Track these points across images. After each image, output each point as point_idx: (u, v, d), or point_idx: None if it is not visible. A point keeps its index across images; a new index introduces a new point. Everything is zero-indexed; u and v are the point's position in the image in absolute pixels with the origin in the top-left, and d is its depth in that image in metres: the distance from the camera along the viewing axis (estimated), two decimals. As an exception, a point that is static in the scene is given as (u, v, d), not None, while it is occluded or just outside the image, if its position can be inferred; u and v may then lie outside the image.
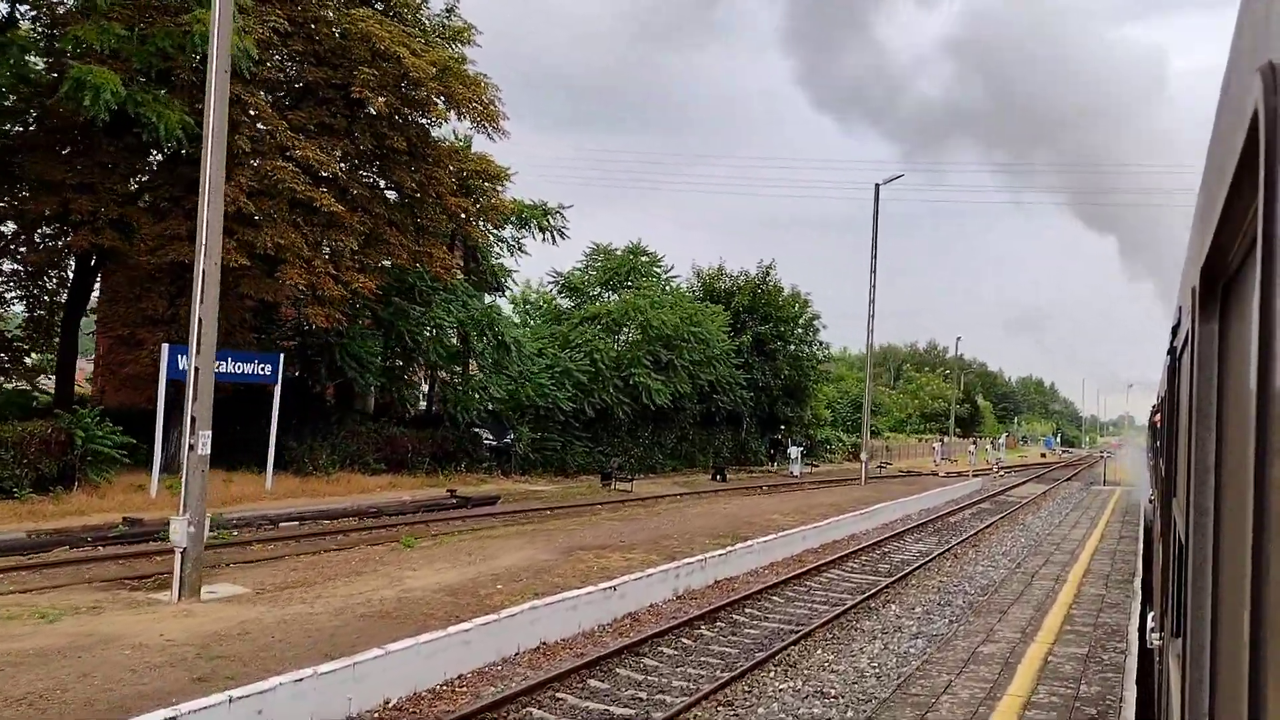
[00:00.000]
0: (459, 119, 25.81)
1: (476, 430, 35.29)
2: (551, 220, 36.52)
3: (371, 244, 26.32)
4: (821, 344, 56.53)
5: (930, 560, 21.75)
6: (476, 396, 32.47)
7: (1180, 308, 3.17)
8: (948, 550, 23.60)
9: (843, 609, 15.83)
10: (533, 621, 12.34)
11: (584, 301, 40.11)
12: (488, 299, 47.73)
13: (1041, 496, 43.41)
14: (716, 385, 45.20)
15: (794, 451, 47.22)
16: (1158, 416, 9.52)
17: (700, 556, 17.27)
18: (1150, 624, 5.40)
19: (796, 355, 53.78)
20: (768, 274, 50.61)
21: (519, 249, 36.54)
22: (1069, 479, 58.90)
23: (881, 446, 69.12)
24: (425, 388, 35.76)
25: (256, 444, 27.42)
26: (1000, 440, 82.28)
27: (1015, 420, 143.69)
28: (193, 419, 11.34)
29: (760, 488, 39.50)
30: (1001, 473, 57.27)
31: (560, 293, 41.05)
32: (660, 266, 42.26)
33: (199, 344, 11.35)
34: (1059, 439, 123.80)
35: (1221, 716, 1.49)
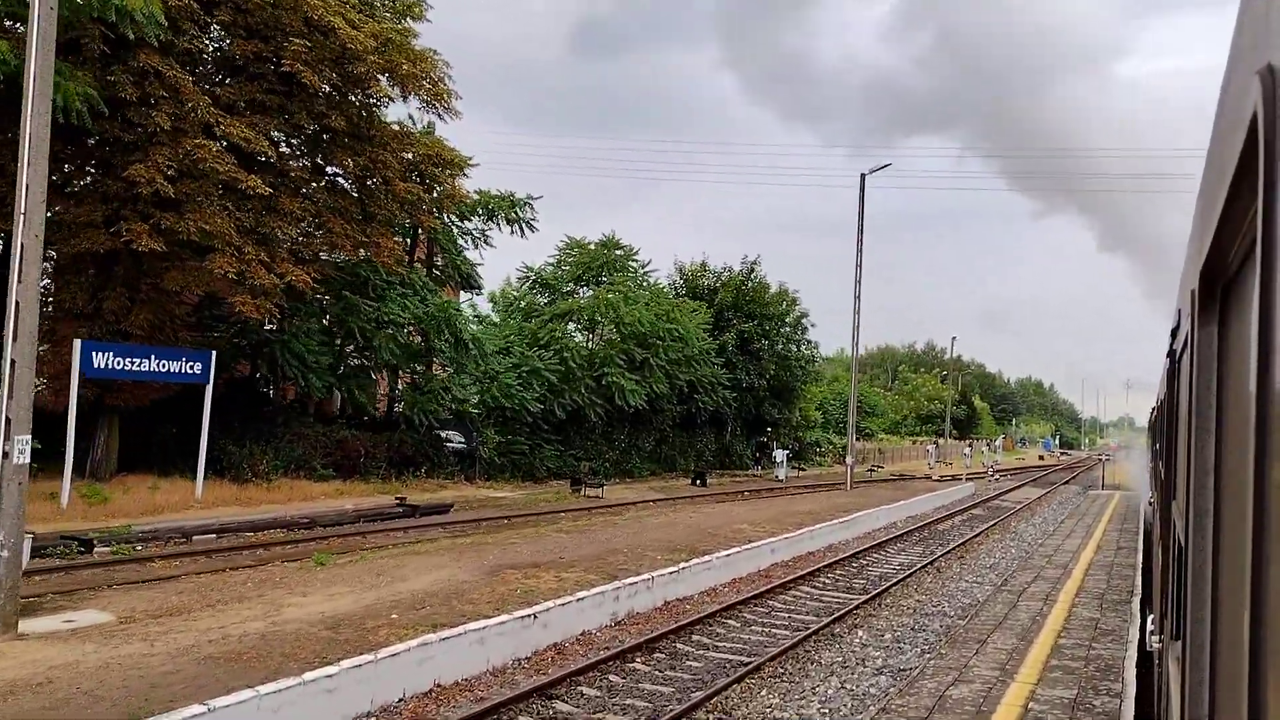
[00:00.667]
0: (404, 97, 23.95)
1: (440, 433, 33.45)
2: (520, 212, 34.64)
3: (313, 233, 24.47)
4: (810, 343, 54.72)
5: (910, 575, 19.90)
6: (437, 397, 30.59)
7: (1180, 310, 3.21)
8: (931, 563, 21.75)
9: (803, 635, 13.98)
10: (424, 660, 10.47)
11: (557, 298, 38.22)
12: (464, 296, 45.97)
13: (1037, 502, 41.56)
14: (697, 385, 43.36)
15: (779, 455, 45.37)
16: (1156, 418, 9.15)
17: (648, 575, 15.41)
18: (1150, 626, 5.39)
19: (784, 355, 51.91)
20: (752, 270, 48.78)
21: (484, 242, 34.69)
22: (1066, 482, 57.05)
23: (874, 449, 67.24)
24: (390, 389, 33.91)
25: (195, 449, 25.60)
26: (997, 442, 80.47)
27: (1013, 422, 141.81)
28: (8, 420, 9.48)
29: (741, 493, 37.62)
30: (997, 476, 55.40)
31: (532, 289, 39.11)
32: (636, 261, 40.45)
33: (16, 331, 9.50)
34: (1057, 440, 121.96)
35: (1221, 718, 1.52)
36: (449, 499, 28.00)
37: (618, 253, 39.19)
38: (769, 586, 17.66)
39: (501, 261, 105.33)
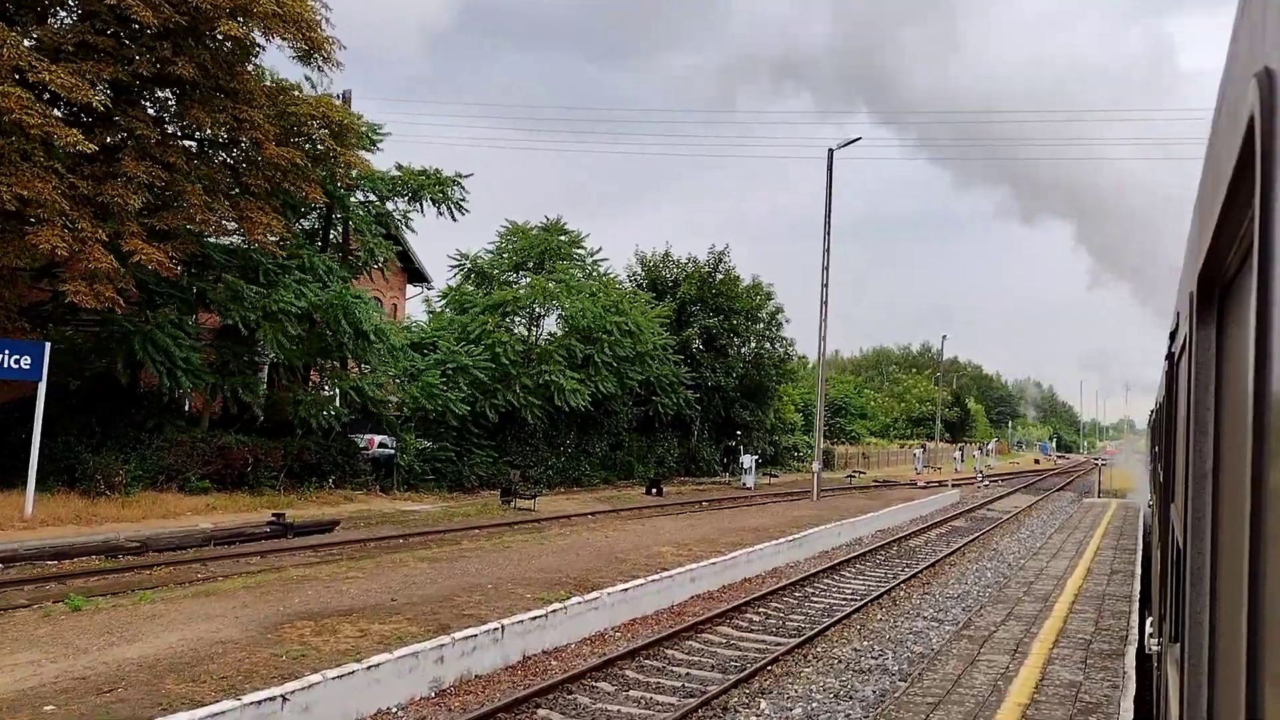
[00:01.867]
0: (267, 39, 20.40)
1: (358, 438, 29.87)
2: (448, 192, 31.05)
3: (170, 203, 20.92)
4: (786, 340, 51.15)
5: (858, 609, 16.33)
6: (340, 398, 27.02)
7: (1178, 313, 3.23)
8: (887, 592, 18.19)
9: (688, 708, 10.43)
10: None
11: (494, 289, 34.59)
12: (411, 291, 42.38)
13: (1025, 511, 38.00)
14: (657, 385, 39.81)
15: (747, 460, 41.80)
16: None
17: (494, 625, 11.83)
18: (1149, 629, 5.33)
19: (756, 352, 48.37)
20: (720, 260, 45.19)
21: (406, 225, 31.08)
22: (1060, 489, 53.50)
23: (857, 454, 63.65)
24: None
25: (49, 457, 22.07)
26: (990, 445, 76.88)
27: (1008, 424, 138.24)
28: None
29: (698, 504, 34.09)
30: (986, 482, 51.86)
31: (468, 278, 35.47)
32: (584, 249, 36.76)
33: None
34: (1054, 443, 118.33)
35: (1220, 719, 1.55)
36: (345, 514, 24.42)
37: (562, 239, 35.52)
38: (676, 629, 14.10)
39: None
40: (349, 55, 28.55)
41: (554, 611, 12.96)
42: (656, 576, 16.22)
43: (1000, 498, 44.86)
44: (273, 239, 22.93)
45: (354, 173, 25.37)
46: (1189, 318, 2.13)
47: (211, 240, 24.60)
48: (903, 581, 19.46)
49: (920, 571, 20.96)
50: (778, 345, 51.44)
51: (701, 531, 24.08)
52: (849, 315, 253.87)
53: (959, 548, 25.30)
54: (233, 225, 23.04)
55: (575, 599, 13.73)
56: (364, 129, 24.60)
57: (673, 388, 40.09)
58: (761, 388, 49.97)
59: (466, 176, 31.33)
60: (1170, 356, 3.80)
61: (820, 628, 14.61)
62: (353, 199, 28.73)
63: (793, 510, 30.73)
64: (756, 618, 15.73)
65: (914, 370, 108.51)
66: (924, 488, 49.35)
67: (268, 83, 22.25)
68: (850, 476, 50.92)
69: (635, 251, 44.59)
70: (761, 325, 50.54)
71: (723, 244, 78.76)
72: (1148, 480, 17.49)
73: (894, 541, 25.93)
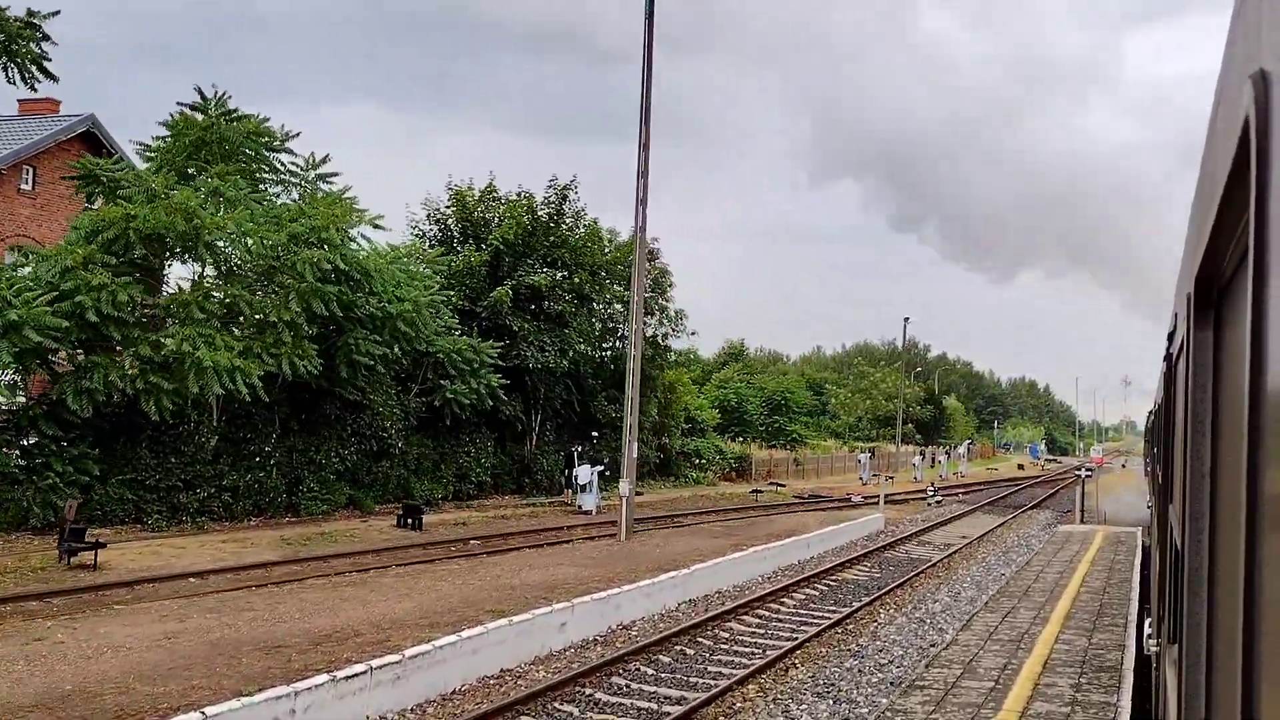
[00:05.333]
0: None
1: None
2: (17, 44, 18.98)
3: None
4: (674, 316, 39.00)
5: None
6: None
7: (1176, 314, 3.19)
8: None
9: None
10: None
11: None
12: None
13: (966, 551, 25.77)
14: (449, 366, 27.69)
15: (584, 473, 29.64)
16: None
17: None
18: (1148, 629, 5.47)
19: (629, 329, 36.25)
20: (565, 199, 32.92)
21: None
22: (1036, 505, 41.32)
23: (785, 460, 51.43)
24: None
25: None
26: (960, 449, 64.62)
27: (995, 424, 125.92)
28: None
29: (464, 542, 22.00)
30: (939, 498, 39.70)
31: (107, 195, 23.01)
32: (294, 155, 24.20)
33: None
34: (1045, 446, 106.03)
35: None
36: None
37: (249, 132, 22.75)
38: None
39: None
40: None
41: None
42: None
43: (946, 522, 32.66)
44: None
45: None
46: (1186, 319, 2.14)
47: None
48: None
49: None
50: (667, 322, 39.32)
51: (279, 631, 11.79)
52: (838, 315, 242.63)
53: (775, 659, 13.07)
54: None
55: None
56: None
57: (472, 370, 27.95)
58: (641, 375, 37.72)
59: (53, 13, 19.33)
60: (1168, 357, 3.92)
61: None
62: None
63: (551, 567, 18.30)
64: None
65: (882, 364, 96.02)
66: (853, 506, 37.19)
67: None
68: (757, 492, 38.68)
69: (447, 184, 32.31)
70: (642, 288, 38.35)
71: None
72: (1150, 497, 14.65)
73: (655, 645, 13.68)
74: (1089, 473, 31.88)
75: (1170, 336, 3.62)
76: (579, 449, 32.40)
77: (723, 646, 14.09)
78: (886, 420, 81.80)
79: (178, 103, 22.45)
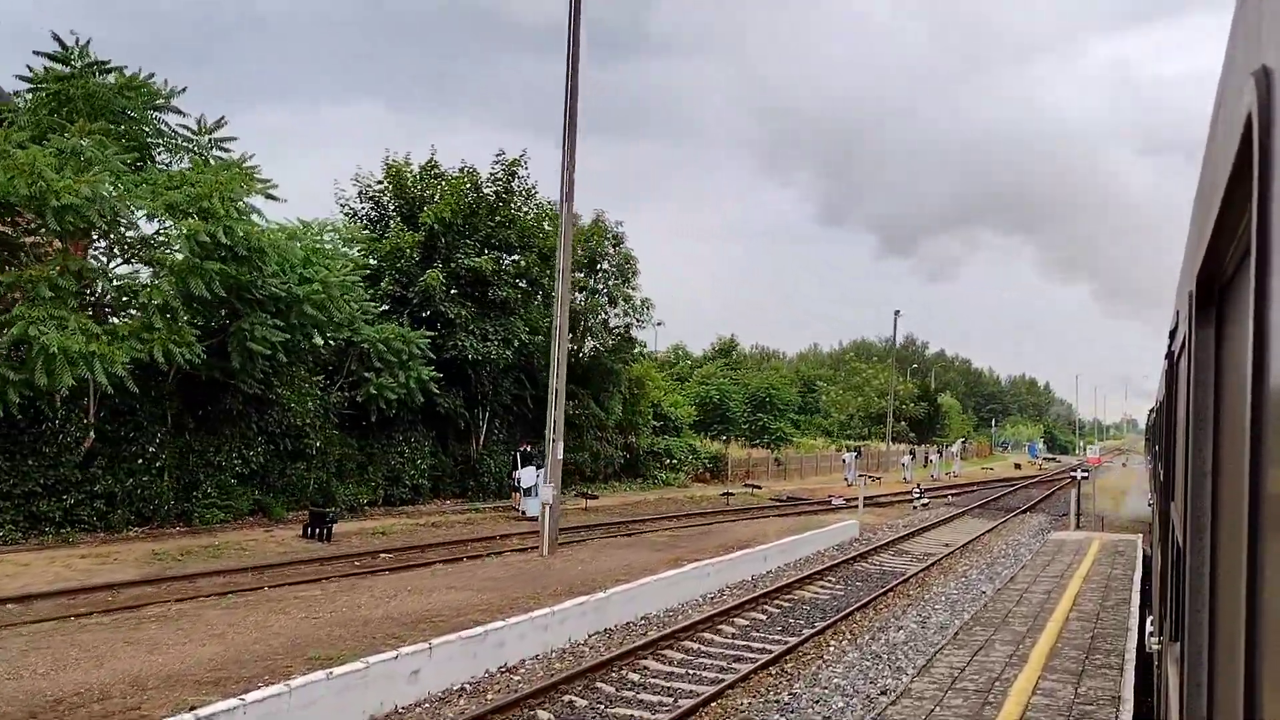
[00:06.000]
0: None
1: None
2: None
3: None
4: (639, 307, 36.23)
5: None
6: None
7: (1177, 312, 3.16)
8: None
9: None
10: None
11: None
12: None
13: (944, 563, 23.00)
14: (375, 357, 24.94)
15: (527, 475, 26.85)
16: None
17: None
18: (1149, 628, 5.18)
19: (587, 318, 33.53)
20: (513, 174, 30.09)
21: None
22: (1030, 508, 38.56)
23: (765, 459, 48.62)
24: None
25: None
26: (952, 448, 61.78)
27: (994, 422, 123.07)
28: None
29: (374, 555, 19.33)
30: (925, 501, 36.93)
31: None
32: (190, 117, 21.29)
33: None
34: (1043, 444, 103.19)
35: (1219, 718, 1.51)
36: None
37: (123, 89, 19.93)
38: None
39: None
40: None
41: None
42: None
43: (930, 528, 29.88)
44: None
45: None
46: (1188, 317, 2.14)
47: None
48: None
49: None
50: (631, 313, 36.56)
51: None
52: (838, 314, 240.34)
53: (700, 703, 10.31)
54: None
55: None
56: None
57: (400, 362, 25.19)
58: (604, 370, 35.04)
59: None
60: (1170, 355, 3.81)
61: None
62: None
63: (442, 590, 15.40)
64: None
65: (875, 360, 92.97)
66: (831, 510, 34.43)
67: None
68: (728, 495, 35.89)
69: (387, 159, 29.39)
70: (603, 277, 35.71)
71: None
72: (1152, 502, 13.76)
73: (530, 698, 10.90)
74: (1085, 474, 29.01)
75: (1172, 334, 3.61)
76: (527, 448, 29.62)
77: (626, 694, 11.33)
78: (879, 418, 79.00)
79: (34, 51, 19.63)
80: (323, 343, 24.32)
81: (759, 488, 39.50)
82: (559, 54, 19.87)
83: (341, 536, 22.12)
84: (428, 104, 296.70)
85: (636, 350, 38.37)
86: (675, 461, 40.11)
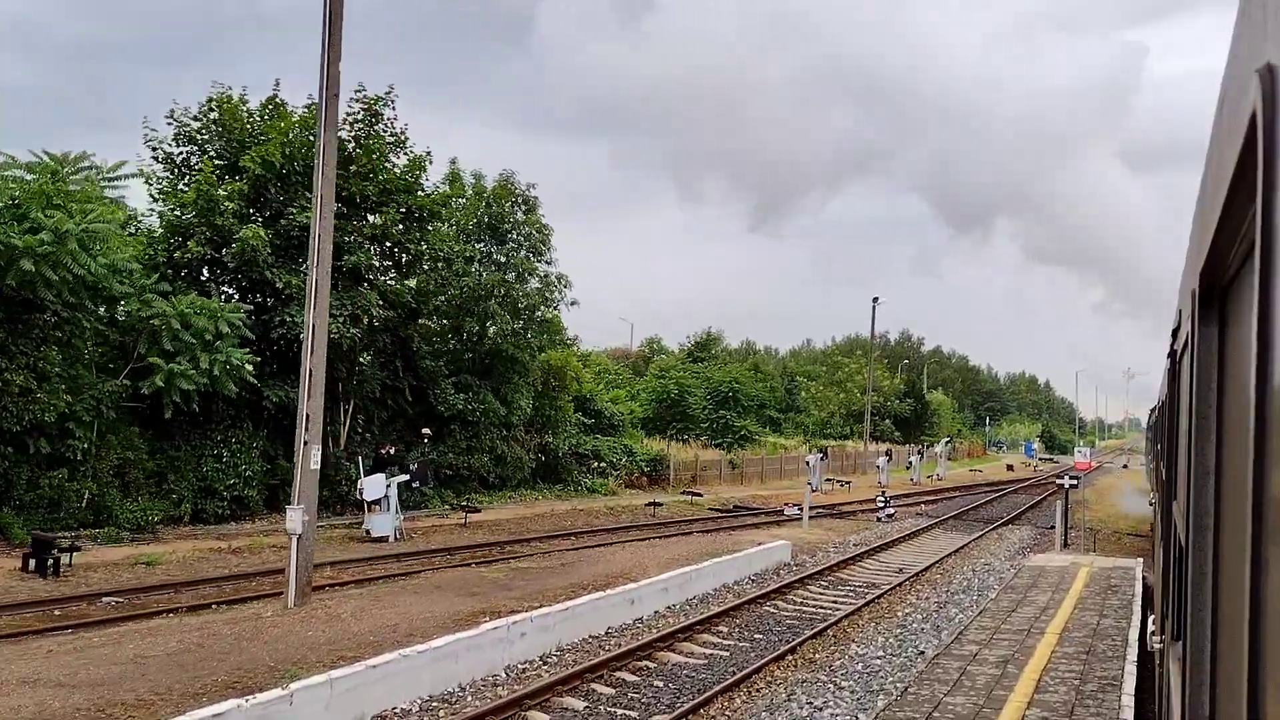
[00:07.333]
0: None
1: None
2: None
3: None
4: (554, 283, 30.84)
5: None
6: None
7: (1180, 310, 3.15)
8: None
9: None
10: None
11: None
12: None
13: (898, 592, 17.55)
14: (165, 335, 19.53)
15: (372, 486, 21.37)
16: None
17: None
18: (1151, 627, 5.19)
19: (468, 295, 28.05)
20: (376, 116, 24.57)
21: None
22: (1016, 516, 33.05)
23: (717, 461, 43.08)
24: None
25: None
26: (936, 448, 56.28)
27: (989, 420, 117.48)
28: None
29: (12, 614, 13.92)
30: (890, 511, 31.43)
31: None
32: None
33: None
34: (1040, 444, 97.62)
35: (1221, 717, 1.49)
36: None
37: None
38: None
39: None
40: None
41: None
42: None
43: (888, 546, 24.35)
44: None
45: None
46: (1191, 315, 2.13)
47: None
48: None
49: None
50: (547, 289, 31.14)
51: None
52: (839, 313, 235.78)
53: None
54: None
55: None
56: None
57: (204, 343, 19.77)
58: (504, 358, 29.55)
59: None
60: (1172, 354, 3.79)
61: None
62: None
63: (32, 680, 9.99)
64: None
65: (859, 354, 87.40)
66: (780, 523, 28.93)
67: None
68: (655, 505, 30.34)
69: (210, 92, 23.77)
70: (514, 245, 30.35)
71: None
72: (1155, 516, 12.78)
73: None
74: (1074, 482, 23.57)
75: (1174, 333, 3.61)
76: (390, 450, 24.16)
77: None
78: (862, 415, 73.56)
79: None
80: (97, 315, 18.91)
81: (700, 495, 33.98)
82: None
83: (91, 568, 16.74)
84: (427, 105, 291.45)
85: (555, 336, 32.94)
86: (605, 465, 34.58)
